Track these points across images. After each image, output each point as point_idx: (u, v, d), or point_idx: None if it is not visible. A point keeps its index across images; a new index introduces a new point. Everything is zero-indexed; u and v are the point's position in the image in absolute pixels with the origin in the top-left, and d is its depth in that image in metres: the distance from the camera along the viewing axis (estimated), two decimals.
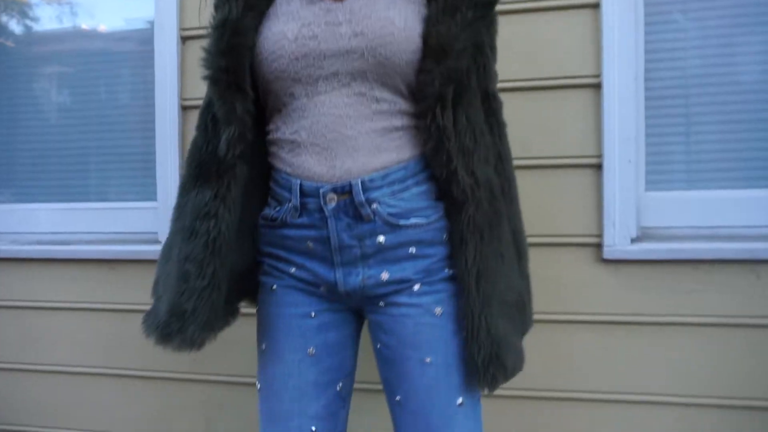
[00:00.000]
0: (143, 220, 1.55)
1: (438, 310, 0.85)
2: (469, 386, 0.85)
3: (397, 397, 0.87)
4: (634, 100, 1.25)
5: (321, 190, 0.82)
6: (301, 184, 0.84)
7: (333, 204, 0.82)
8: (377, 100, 0.82)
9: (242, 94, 0.82)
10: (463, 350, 0.85)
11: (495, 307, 0.83)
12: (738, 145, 1.29)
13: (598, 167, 1.27)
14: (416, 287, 0.85)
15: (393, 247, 0.84)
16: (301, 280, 0.89)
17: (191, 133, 1.43)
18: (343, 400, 0.92)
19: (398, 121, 0.83)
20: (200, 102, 1.41)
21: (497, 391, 0.85)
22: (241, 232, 0.89)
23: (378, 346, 0.90)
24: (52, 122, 1.68)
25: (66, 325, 1.55)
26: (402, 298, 0.85)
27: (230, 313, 0.95)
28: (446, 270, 0.86)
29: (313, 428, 0.87)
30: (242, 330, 1.41)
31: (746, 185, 1.28)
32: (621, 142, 1.24)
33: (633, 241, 1.25)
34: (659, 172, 1.31)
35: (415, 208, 0.84)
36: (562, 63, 1.28)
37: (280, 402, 0.88)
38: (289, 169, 0.86)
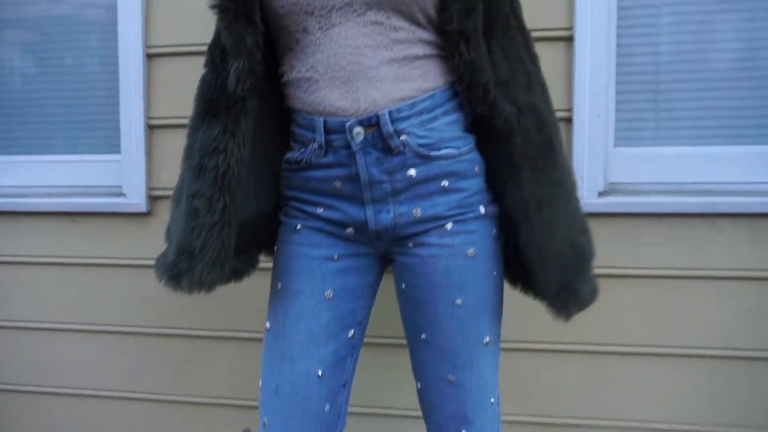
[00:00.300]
0: (107, 173, 1.51)
1: (471, 251, 0.84)
2: (495, 324, 0.87)
3: (423, 336, 0.87)
4: (606, 54, 1.26)
5: (347, 125, 0.80)
6: (325, 121, 0.81)
7: (360, 138, 0.80)
8: (395, 29, 0.80)
9: (252, 26, 0.79)
10: (495, 291, 0.86)
11: (560, 234, 0.83)
12: (706, 102, 1.31)
13: (568, 121, 1.27)
14: (448, 226, 0.84)
15: (424, 180, 0.82)
16: (327, 221, 0.87)
17: (157, 82, 1.41)
18: (352, 348, 0.91)
19: (419, 50, 0.81)
20: (167, 50, 1.40)
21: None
22: (257, 176, 0.87)
23: (403, 286, 0.88)
24: (11, 73, 1.60)
25: (26, 280, 1.50)
26: (432, 239, 0.84)
27: (247, 263, 0.93)
28: (480, 207, 0.85)
29: (320, 372, 0.86)
30: None
31: (712, 142, 1.30)
32: (591, 96, 1.25)
33: (600, 195, 1.26)
34: (628, 129, 1.32)
35: (446, 138, 0.83)
36: (534, 16, 1.27)
37: (289, 343, 0.86)
38: (309, 108, 0.84)
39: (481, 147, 0.87)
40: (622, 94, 1.32)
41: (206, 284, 0.82)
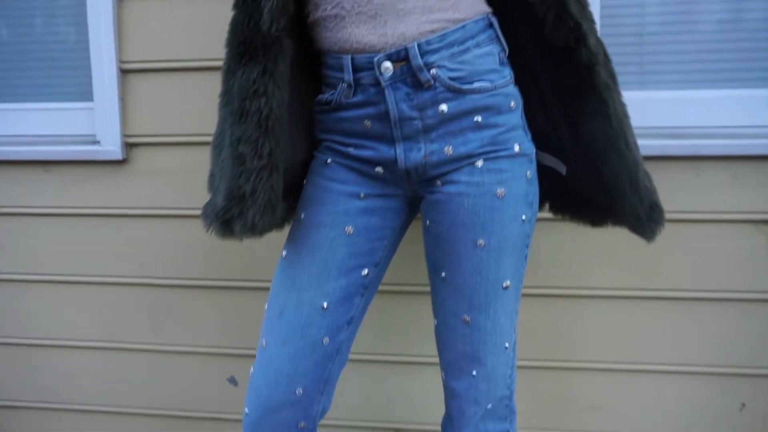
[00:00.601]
0: (79, 121, 1.46)
1: (500, 191, 0.83)
2: (517, 269, 0.86)
3: (443, 274, 0.87)
4: None
5: (375, 60, 0.79)
6: (352, 59, 0.80)
7: (389, 73, 0.79)
8: None
9: None
10: (520, 235, 0.85)
11: (639, 160, 0.85)
12: (689, 46, 1.29)
13: None
14: (479, 164, 0.82)
15: (456, 116, 0.81)
16: (357, 159, 0.86)
17: (129, 26, 1.36)
18: (364, 288, 0.90)
19: None
20: None
21: None
22: (294, 121, 0.86)
23: (428, 223, 0.88)
24: None
25: (1, 231, 1.47)
26: (462, 176, 0.83)
27: (286, 211, 0.92)
28: (515, 145, 0.84)
29: (325, 304, 0.86)
30: (191, 232, 1.39)
31: (694, 86, 1.29)
32: None
33: None
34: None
35: (479, 71, 0.81)
36: None
37: (301, 271, 0.87)
38: (336, 47, 0.82)
39: (559, 84, 0.86)
40: (606, 38, 1.29)
41: (258, 229, 0.81)
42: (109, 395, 1.50)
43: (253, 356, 1.43)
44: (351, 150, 0.87)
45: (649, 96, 1.28)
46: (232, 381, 1.45)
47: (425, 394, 1.39)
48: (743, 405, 1.31)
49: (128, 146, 1.39)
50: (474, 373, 0.89)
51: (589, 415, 1.36)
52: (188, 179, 1.37)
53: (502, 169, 0.83)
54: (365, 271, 0.89)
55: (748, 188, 1.23)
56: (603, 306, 1.31)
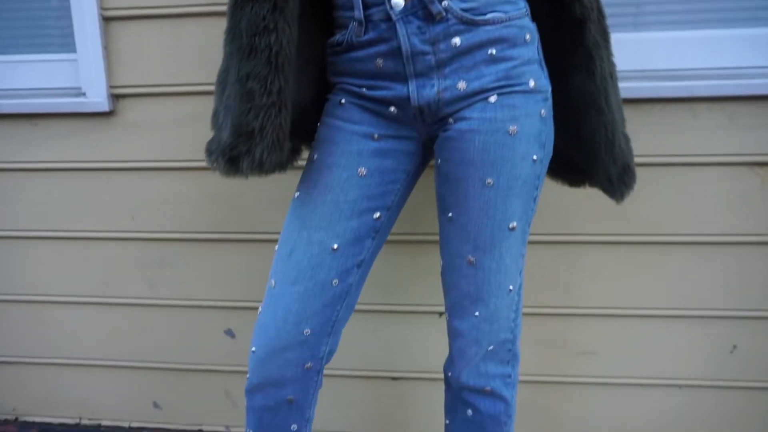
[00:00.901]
0: (64, 74, 1.42)
1: (513, 128, 0.81)
2: (525, 210, 0.85)
3: (450, 214, 0.86)
4: None
5: None
6: None
7: (400, 7, 0.77)
8: None
9: None
10: (531, 176, 0.84)
11: (619, 121, 0.85)
12: None
13: None
14: (492, 99, 0.81)
15: (470, 49, 0.79)
16: (371, 99, 0.85)
17: None
18: (375, 231, 0.89)
19: None
20: None
21: None
22: (301, 60, 0.85)
23: (439, 162, 0.87)
24: None
25: None
26: (474, 113, 0.81)
27: (291, 151, 0.91)
28: (530, 81, 0.82)
29: (335, 246, 0.86)
30: (182, 185, 1.37)
31: (689, 27, 1.26)
32: None
33: None
34: (609, 15, 1.28)
35: (492, 2, 0.79)
36: None
37: (312, 211, 0.86)
38: None
39: (550, 37, 0.86)
40: None
41: (266, 166, 0.80)
42: (106, 349, 1.50)
43: (250, 308, 1.43)
44: (364, 90, 0.86)
45: (644, 38, 1.25)
46: (230, 333, 1.45)
47: (422, 343, 1.40)
48: (734, 347, 1.33)
49: (115, 98, 1.36)
50: (477, 313, 0.89)
51: (583, 360, 1.37)
52: (178, 130, 1.34)
53: (515, 105, 0.81)
54: (377, 215, 0.88)
55: (745, 130, 1.22)
56: (597, 252, 1.31)
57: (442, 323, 1.38)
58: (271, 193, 1.35)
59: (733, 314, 1.31)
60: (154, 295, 1.45)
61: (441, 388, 1.42)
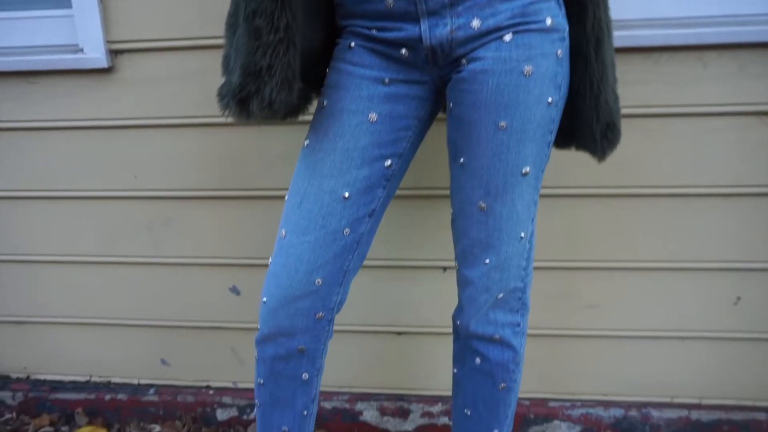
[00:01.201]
0: (59, 30, 1.39)
1: (528, 69, 0.79)
2: (538, 156, 0.83)
3: (461, 159, 0.85)
4: None
5: None
6: None
7: None
8: None
9: None
10: (545, 120, 0.81)
11: (609, 76, 0.82)
12: None
13: None
14: (507, 38, 0.78)
15: None
16: (381, 41, 0.83)
17: None
18: (386, 180, 0.88)
19: None
20: None
21: None
22: (309, 4, 0.83)
23: (451, 106, 0.85)
24: None
25: None
26: (488, 52, 0.79)
27: (301, 94, 0.89)
28: (547, 18, 0.79)
29: (346, 194, 0.84)
30: (185, 142, 1.36)
31: None
32: None
33: None
34: None
35: None
36: None
37: (322, 159, 0.85)
38: None
39: None
40: None
41: (276, 106, 0.78)
42: (113, 308, 1.51)
43: (255, 266, 1.43)
44: (374, 32, 0.83)
45: None
46: (235, 291, 1.46)
47: (427, 298, 1.41)
48: (738, 299, 1.34)
49: (113, 53, 1.33)
50: (487, 261, 0.88)
51: (586, 313, 1.38)
52: (180, 86, 1.32)
53: (531, 44, 0.79)
54: (388, 162, 0.87)
55: (755, 78, 1.20)
56: (600, 205, 1.31)
57: (446, 278, 1.39)
58: (275, 149, 1.33)
59: (737, 266, 1.31)
60: (159, 253, 1.45)
61: (446, 342, 1.44)
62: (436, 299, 1.41)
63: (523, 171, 0.83)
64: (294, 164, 1.33)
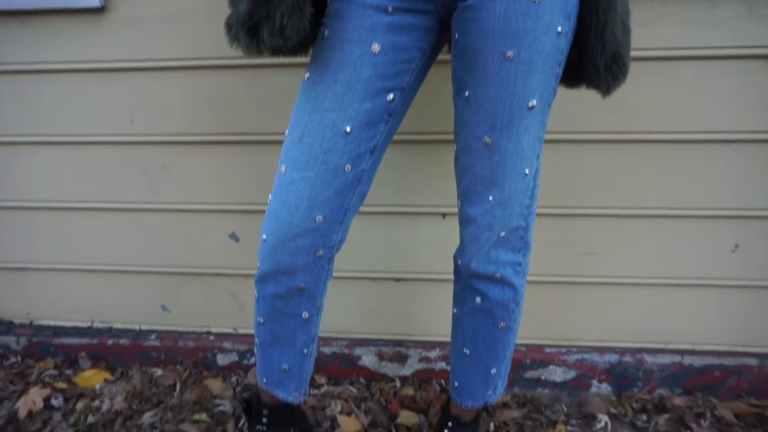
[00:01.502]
0: None
1: None
2: (546, 88, 0.81)
3: (466, 93, 0.83)
4: None
5: None
6: None
7: None
8: None
9: None
10: (554, 50, 0.78)
11: (618, 6, 0.79)
12: None
13: None
14: None
15: None
16: None
17: None
18: (389, 114, 0.86)
19: None
20: None
21: None
22: None
23: (456, 37, 0.82)
24: None
25: None
26: None
27: (314, 24, 0.85)
28: None
29: (348, 128, 0.83)
30: (181, 85, 1.33)
31: None
32: None
33: None
34: None
35: None
36: None
37: (323, 91, 0.83)
38: None
39: None
40: None
41: (287, 32, 0.76)
42: (113, 254, 1.52)
43: (254, 212, 1.43)
44: None
45: None
46: (234, 237, 1.46)
47: (426, 245, 1.41)
48: (736, 246, 1.34)
49: None
50: (490, 198, 0.87)
51: (585, 260, 1.39)
52: (176, 26, 1.29)
53: None
54: (391, 96, 0.84)
55: (765, 21, 1.17)
56: (600, 150, 1.30)
57: (445, 224, 1.39)
58: (273, 92, 1.31)
59: (734, 213, 1.31)
60: (157, 199, 1.44)
61: (444, 288, 1.45)
62: (436, 246, 1.41)
63: (530, 104, 0.81)
64: (292, 108, 1.31)
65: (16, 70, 1.37)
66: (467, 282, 0.98)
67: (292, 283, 0.91)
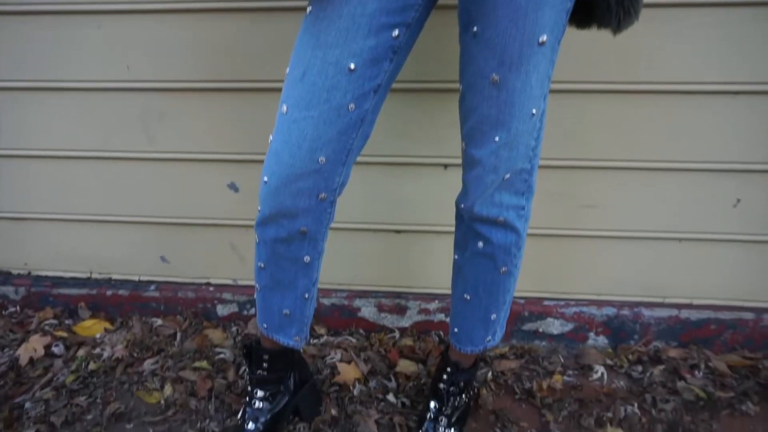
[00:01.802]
0: None
1: None
2: (556, 23, 0.78)
3: (474, 29, 0.80)
4: None
5: None
6: None
7: None
8: None
9: None
10: None
11: None
12: None
13: None
14: None
15: None
16: None
17: None
18: (393, 52, 0.83)
19: None
20: None
21: None
22: None
23: None
24: None
25: None
26: None
27: None
28: None
29: (352, 65, 0.80)
30: (179, 31, 1.30)
31: None
32: None
33: None
34: None
35: None
36: None
37: (327, 27, 0.79)
38: None
39: None
40: None
41: None
42: (111, 205, 1.50)
43: (253, 162, 1.41)
44: None
45: None
46: (233, 187, 1.45)
47: (427, 196, 1.40)
48: (738, 200, 1.34)
49: None
50: (496, 138, 0.85)
51: (586, 213, 1.39)
52: None
53: None
54: (396, 32, 0.81)
55: None
56: (600, 101, 1.27)
57: (446, 176, 1.37)
58: (273, 39, 1.28)
59: (736, 167, 1.30)
60: (155, 148, 1.43)
61: (444, 240, 1.45)
62: (437, 197, 1.40)
63: (540, 40, 0.78)
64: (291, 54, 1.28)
65: (8, 11, 1.33)
66: (469, 226, 0.97)
67: (293, 227, 0.90)
